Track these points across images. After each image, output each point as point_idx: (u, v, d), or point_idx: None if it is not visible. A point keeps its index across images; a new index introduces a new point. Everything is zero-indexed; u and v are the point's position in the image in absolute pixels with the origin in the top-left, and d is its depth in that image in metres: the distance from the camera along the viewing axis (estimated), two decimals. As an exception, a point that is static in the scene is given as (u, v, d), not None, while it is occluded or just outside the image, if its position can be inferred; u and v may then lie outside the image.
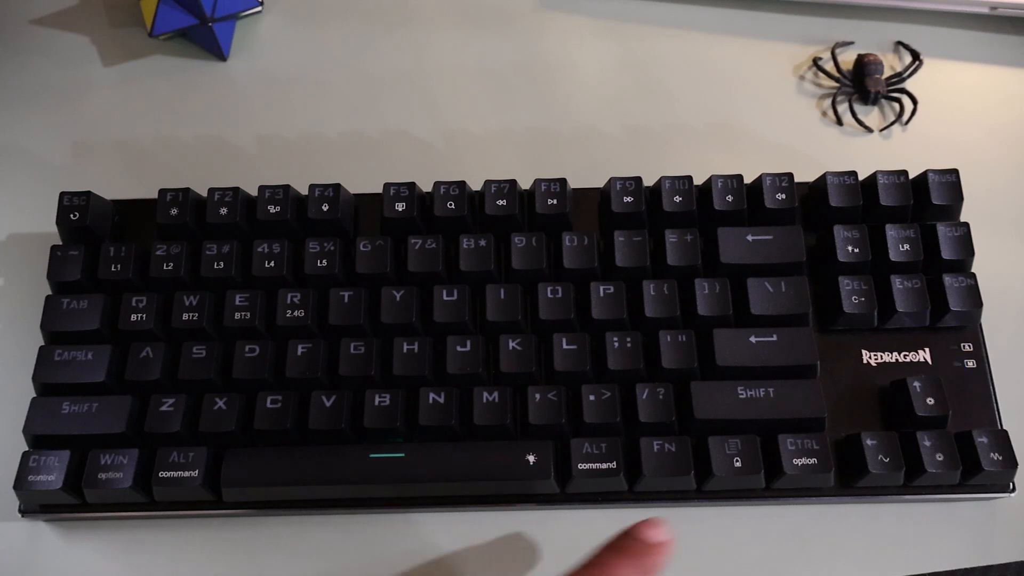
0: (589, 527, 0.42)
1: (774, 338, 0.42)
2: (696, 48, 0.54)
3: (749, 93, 0.53)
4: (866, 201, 0.45)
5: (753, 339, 0.42)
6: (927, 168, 0.45)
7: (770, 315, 0.43)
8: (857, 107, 0.52)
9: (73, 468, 0.41)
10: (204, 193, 0.46)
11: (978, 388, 0.43)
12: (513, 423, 0.42)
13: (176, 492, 0.41)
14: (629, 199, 0.45)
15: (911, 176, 0.45)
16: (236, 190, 0.45)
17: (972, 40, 0.54)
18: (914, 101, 0.52)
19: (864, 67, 0.52)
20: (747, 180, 0.45)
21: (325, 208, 0.45)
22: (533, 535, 0.43)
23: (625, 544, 0.35)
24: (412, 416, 0.41)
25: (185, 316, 0.43)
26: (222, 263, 0.44)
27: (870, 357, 0.44)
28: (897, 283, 0.43)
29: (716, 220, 0.45)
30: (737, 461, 0.40)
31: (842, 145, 0.51)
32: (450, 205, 0.45)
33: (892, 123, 0.52)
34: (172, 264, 0.44)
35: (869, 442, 0.40)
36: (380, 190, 0.46)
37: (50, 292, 0.45)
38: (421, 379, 0.42)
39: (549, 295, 0.43)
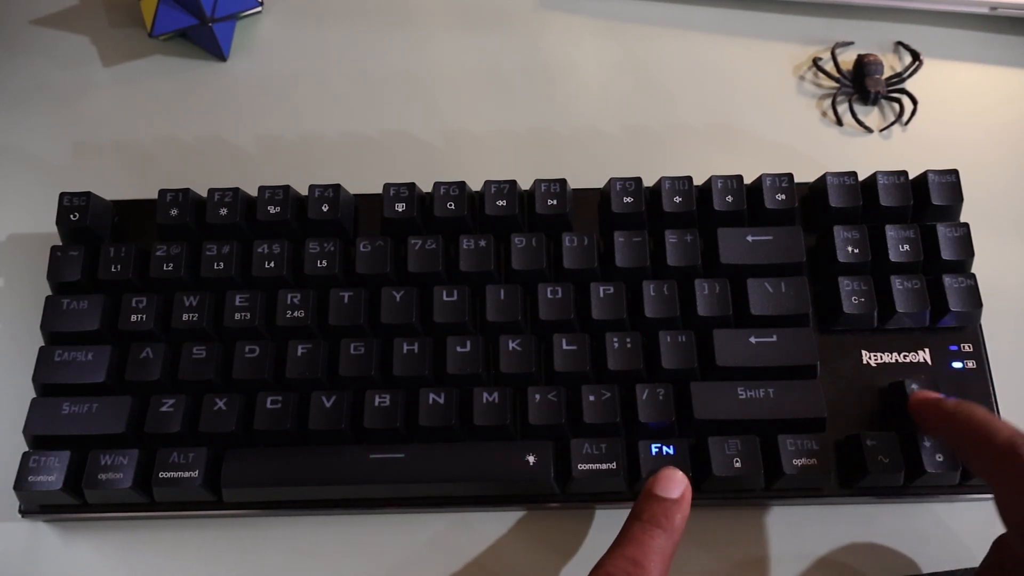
0: (589, 527, 0.42)
1: (774, 338, 0.42)
2: (696, 48, 0.54)
3: (749, 93, 0.53)
4: (866, 201, 0.45)
5: (753, 339, 0.42)
6: (927, 168, 0.45)
7: (770, 315, 0.43)
8: (857, 107, 0.52)
9: (73, 468, 0.41)
10: (204, 193, 0.46)
11: (978, 388, 0.43)
12: (513, 423, 0.42)
13: (176, 492, 0.41)
14: (629, 199, 0.45)
15: (911, 176, 0.45)
16: (236, 190, 0.45)
17: (972, 40, 0.54)
18: (914, 101, 0.52)
19: (864, 67, 0.52)
20: (747, 180, 0.45)
21: (325, 208, 0.45)
22: (533, 535, 0.43)
23: (649, 512, 0.37)
24: (412, 416, 0.41)
25: (185, 316, 0.43)
26: (222, 263, 0.44)
27: (870, 357, 0.44)
28: (897, 283, 0.43)
29: (716, 220, 0.45)
30: (737, 461, 0.40)
31: (842, 145, 0.51)
32: (450, 205, 0.45)
33: (892, 123, 0.52)
34: (172, 264, 0.44)
35: (869, 442, 0.40)
36: (380, 190, 0.46)
37: (50, 292, 0.45)
38: (421, 379, 0.42)
39: (549, 295, 0.43)
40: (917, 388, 0.41)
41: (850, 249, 0.44)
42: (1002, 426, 0.34)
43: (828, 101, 0.52)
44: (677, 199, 0.45)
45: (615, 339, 0.42)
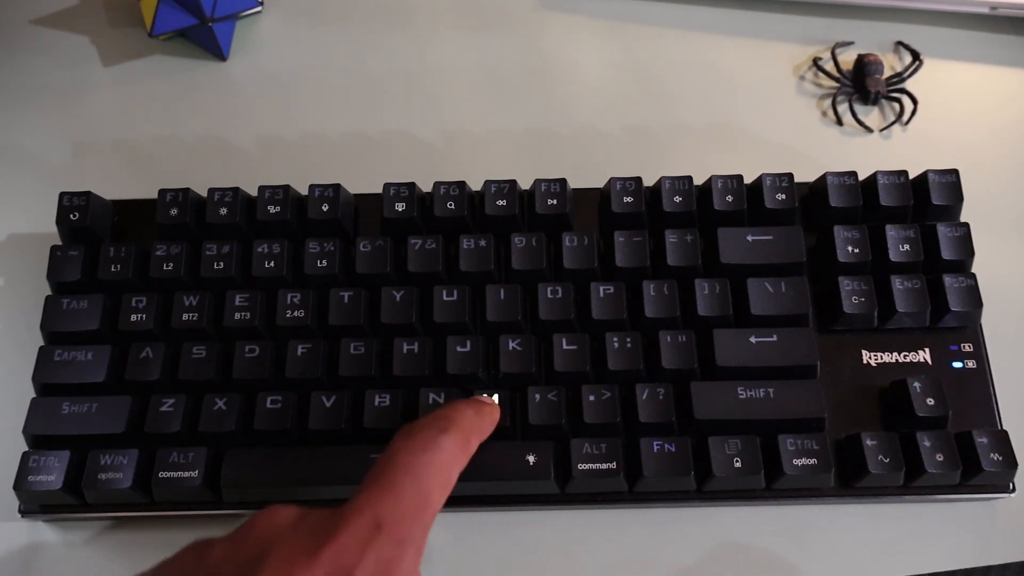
0: (589, 527, 0.42)
1: (774, 338, 0.42)
2: (696, 48, 0.54)
3: (749, 93, 0.53)
4: (866, 201, 0.45)
5: (753, 339, 0.42)
6: (927, 168, 0.45)
7: (770, 315, 0.43)
8: (857, 107, 0.52)
9: (73, 468, 0.41)
10: (204, 193, 0.46)
11: (978, 388, 0.43)
12: (513, 423, 0.42)
13: (176, 492, 0.41)
14: (629, 199, 0.45)
15: (911, 176, 0.45)
16: (236, 190, 0.45)
17: (972, 40, 0.54)
18: (914, 101, 0.52)
19: (864, 67, 0.52)
20: (747, 180, 0.45)
21: (325, 208, 0.45)
22: (533, 535, 0.43)
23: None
24: (412, 416, 0.41)
25: (185, 316, 0.43)
26: (222, 263, 0.44)
27: (870, 357, 0.44)
28: (897, 283, 0.43)
29: (716, 220, 0.45)
30: (737, 461, 0.40)
31: (842, 145, 0.51)
32: (450, 205, 0.45)
33: (892, 123, 0.52)
34: (172, 264, 0.44)
35: (869, 442, 0.40)
36: (380, 190, 0.45)
37: (50, 292, 0.45)
38: (421, 379, 0.42)
39: (549, 295, 0.43)
40: (919, 387, 0.41)
41: (850, 249, 0.44)
42: None
43: (828, 101, 0.52)
44: (677, 199, 0.45)
45: (615, 339, 0.42)
